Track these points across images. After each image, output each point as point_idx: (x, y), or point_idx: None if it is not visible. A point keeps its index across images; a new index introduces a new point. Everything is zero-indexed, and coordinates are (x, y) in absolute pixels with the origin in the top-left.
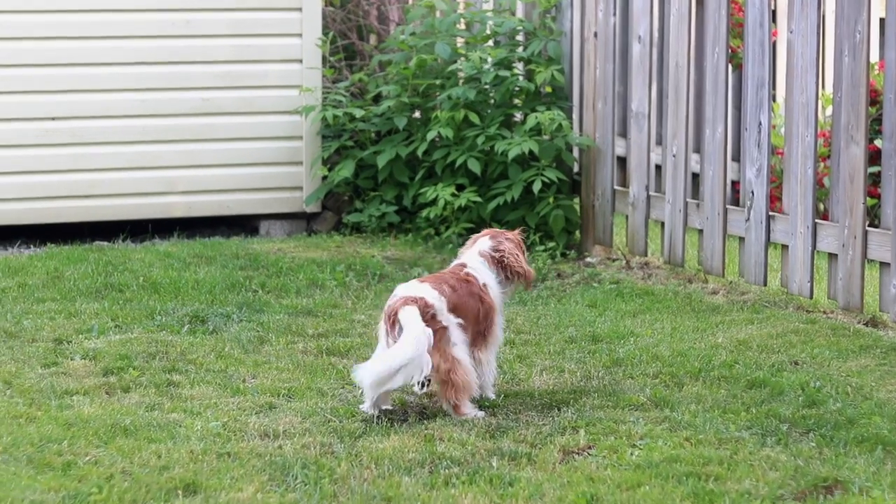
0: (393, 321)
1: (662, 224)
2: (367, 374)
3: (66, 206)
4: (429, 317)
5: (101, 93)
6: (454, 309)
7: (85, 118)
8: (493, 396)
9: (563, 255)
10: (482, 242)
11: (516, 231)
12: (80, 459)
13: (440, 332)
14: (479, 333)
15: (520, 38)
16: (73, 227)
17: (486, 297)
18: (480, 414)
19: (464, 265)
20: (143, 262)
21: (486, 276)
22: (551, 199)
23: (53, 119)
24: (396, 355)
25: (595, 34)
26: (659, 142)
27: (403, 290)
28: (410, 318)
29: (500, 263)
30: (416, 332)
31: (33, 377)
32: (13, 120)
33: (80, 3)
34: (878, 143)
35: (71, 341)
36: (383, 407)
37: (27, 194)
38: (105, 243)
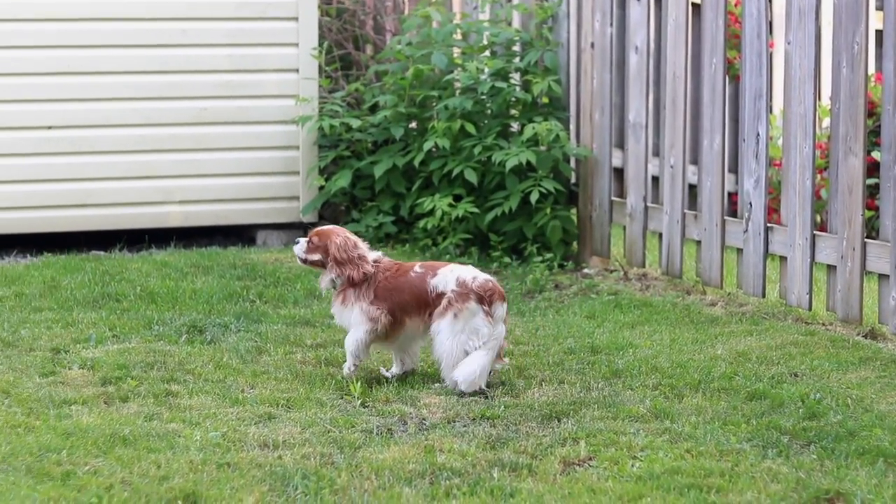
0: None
1: (660, 235)
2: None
3: (62, 215)
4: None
5: (99, 102)
6: None
7: (83, 127)
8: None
9: (561, 266)
10: None
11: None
12: (79, 469)
13: None
14: None
15: (516, 48)
16: (70, 237)
17: None
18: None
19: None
20: (140, 272)
21: None
22: (549, 210)
23: (51, 128)
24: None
25: (592, 45)
26: (656, 153)
27: (468, 271)
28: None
29: None
30: None
31: (31, 386)
32: (11, 129)
33: (80, 12)
34: (875, 154)
35: (69, 350)
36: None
37: (24, 203)
38: (102, 253)
